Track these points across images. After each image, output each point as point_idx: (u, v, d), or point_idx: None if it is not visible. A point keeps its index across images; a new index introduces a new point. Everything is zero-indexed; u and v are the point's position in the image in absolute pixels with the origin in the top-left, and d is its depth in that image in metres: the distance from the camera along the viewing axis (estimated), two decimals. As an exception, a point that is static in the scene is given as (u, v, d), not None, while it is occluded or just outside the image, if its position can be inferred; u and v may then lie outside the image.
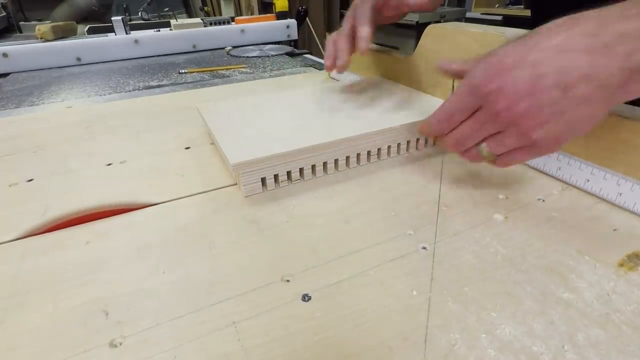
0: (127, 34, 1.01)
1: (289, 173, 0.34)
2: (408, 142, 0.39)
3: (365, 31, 0.42)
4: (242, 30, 1.09)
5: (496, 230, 0.27)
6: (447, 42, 0.41)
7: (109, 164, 0.39)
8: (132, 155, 0.41)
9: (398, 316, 0.21)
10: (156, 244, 0.27)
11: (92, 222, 0.30)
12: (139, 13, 1.57)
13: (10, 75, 0.89)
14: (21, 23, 0.98)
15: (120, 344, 0.20)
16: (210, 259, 0.26)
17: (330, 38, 0.46)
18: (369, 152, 0.37)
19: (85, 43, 0.95)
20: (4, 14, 1.31)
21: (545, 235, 0.27)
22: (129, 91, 0.71)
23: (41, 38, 0.97)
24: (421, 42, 0.45)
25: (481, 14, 1.96)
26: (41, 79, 0.83)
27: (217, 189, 0.34)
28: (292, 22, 1.16)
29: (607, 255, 0.25)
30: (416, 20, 1.93)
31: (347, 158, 0.36)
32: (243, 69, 0.84)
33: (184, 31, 1.04)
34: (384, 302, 0.22)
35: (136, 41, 0.98)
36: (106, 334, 0.20)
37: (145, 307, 0.22)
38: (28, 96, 0.70)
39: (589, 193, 0.31)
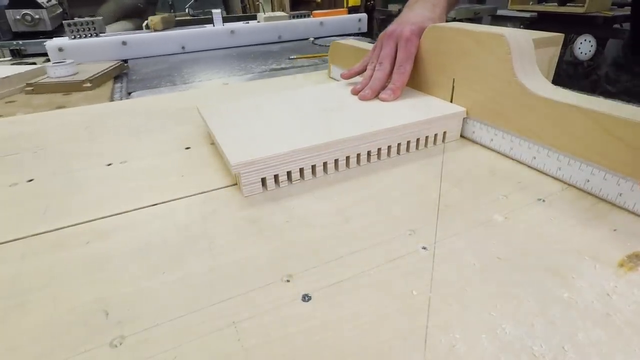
0: (222, 25, 1.10)
1: (289, 173, 0.34)
2: (408, 142, 0.39)
3: (400, 84, 0.44)
4: (321, 23, 1.20)
5: (496, 230, 0.27)
6: (448, 42, 0.41)
7: (109, 164, 0.39)
8: (132, 155, 0.41)
9: (398, 316, 0.21)
10: (156, 244, 0.27)
11: (92, 221, 0.30)
12: (186, 10, 1.59)
13: (129, 61, 0.96)
14: (75, 19, 1.04)
15: (120, 344, 0.20)
16: (210, 259, 0.26)
17: (371, 63, 0.47)
18: (369, 153, 0.37)
19: (190, 33, 1.05)
20: (61, 10, 1.35)
21: (545, 235, 0.27)
22: (259, 72, 0.80)
23: (152, 28, 1.07)
24: (422, 42, 0.45)
25: (517, 10, 1.97)
26: (164, 64, 0.92)
27: (217, 189, 0.34)
28: (364, 15, 1.29)
29: (607, 255, 0.25)
30: (452, 16, 1.99)
31: (347, 158, 0.36)
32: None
33: (272, 23, 1.14)
34: (384, 302, 0.22)
35: (232, 32, 1.08)
36: (106, 334, 0.20)
37: (145, 307, 0.22)
38: (170, 76, 0.79)
39: (589, 193, 0.31)
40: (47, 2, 1.26)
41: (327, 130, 0.36)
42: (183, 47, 1.04)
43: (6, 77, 0.70)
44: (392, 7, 2.40)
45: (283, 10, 2.22)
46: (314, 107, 0.42)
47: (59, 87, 0.70)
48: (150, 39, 1.02)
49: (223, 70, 0.83)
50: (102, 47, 0.96)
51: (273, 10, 2.36)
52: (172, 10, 1.66)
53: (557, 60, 0.53)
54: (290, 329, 0.20)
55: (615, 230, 0.27)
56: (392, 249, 0.26)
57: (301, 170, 0.34)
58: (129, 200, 0.32)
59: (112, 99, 0.67)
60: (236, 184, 0.34)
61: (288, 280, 0.24)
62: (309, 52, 0.98)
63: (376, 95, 0.44)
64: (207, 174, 0.36)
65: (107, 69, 0.79)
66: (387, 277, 0.24)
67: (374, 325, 0.21)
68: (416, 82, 0.47)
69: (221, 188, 0.34)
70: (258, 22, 1.16)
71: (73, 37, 0.95)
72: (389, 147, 0.38)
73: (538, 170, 0.35)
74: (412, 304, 0.22)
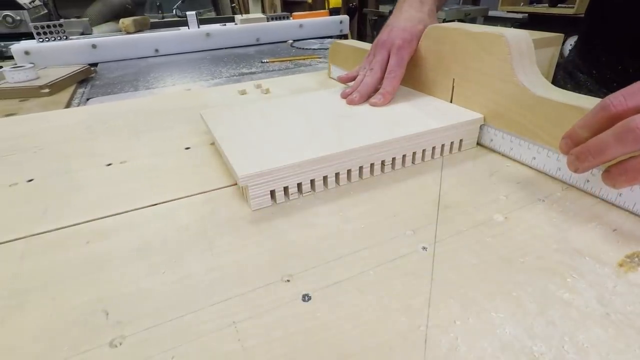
0: (198, 28, 1.08)
1: (299, 185, 0.32)
2: (424, 151, 0.37)
3: (390, 89, 0.43)
4: (301, 25, 1.19)
5: (496, 230, 0.27)
6: (448, 42, 0.41)
7: (109, 164, 0.39)
8: (132, 155, 0.41)
9: (398, 316, 0.21)
10: (156, 244, 0.27)
11: (92, 221, 0.30)
12: (174, 11, 1.60)
13: (99, 65, 0.96)
14: (62, 20, 1.03)
15: (120, 344, 0.20)
16: (210, 259, 0.26)
17: (363, 69, 0.47)
18: (383, 162, 0.35)
19: (163, 35, 1.03)
20: (46, 11, 1.35)
21: (545, 235, 0.27)
22: (228, 77, 0.79)
23: (124, 31, 1.04)
24: (421, 42, 0.45)
25: (507, 12, 1.97)
26: (133, 68, 0.90)
27: (217, 188, 0.34)
28: (345, 17, 1.27)
29: (607, 255, 0.25)
30: (443, 18, 1.98)
31: (360, 168, 0.34)
32: (319, 59, 0.91)
33: (249, 25, 1.12)
34: (384, 302, 0.22)
35: (208, 34, 1.06)
36: (106, 334, 0.20)
37: (145, 307, 0.22)
38: (135, 81, 0.78)
39: (589, 193, 0.31)
40: (30, 3, 1.25)
41: (339, 139, 0.34)
42: (156, 50, 1.02)
43: None
44: (384, 8, 2.39)
45: (275, 11, 2.21)
46: (323, 113, 0.41)
47: (16, 93, 0.67)
48: (122, 42, 0.99)
49: (191, 75, 0.81)
50: (71, 51, 0.93)
51: (263, 11, 2.34)
52: (159, 12, 1.66)
53: (557, 61, 0.53)
54: (290, 329, 0.20)
55: (615, 230, 0.27)
56: (392, 249, 0.26)
57: (312, 182, 0.33)
58: (129, 200, 0.32)
59: (69, 106, 0.65)
60: (236, 184, 0.34)
61: (288, 280, 0.24)
62: (286, 55, 0.96)
63: (365, 100, 0.44)
64: (207, 174, 0.36)
65: (69, 73, 0.76)
66: (387, 277, 0.24)
67: (374, 325, 0.21)
68: (416, 82, 0.47)
69: (221, 188, 0.34)
70: (235, 24, 1.14)
71: (41, 40, 0.92)
72: (404, 156, 0.36)
73: (538, 170, 0.35)
74: (412, 304, 0.22)
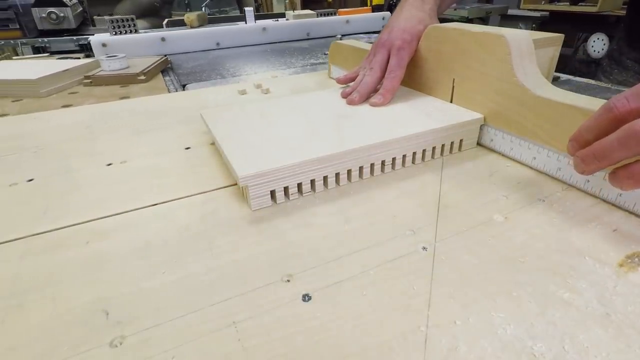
0: (255, 23, 1.14)
1: (299, 185, 0.32)
2: (424, 151, 0.37)
3: (390, 88, 0.43)
4: (347, 21, 1.26)
5: (496, 230, 0.27)
6: (448, 42, 0.41)
7: (109, 164, 0.39)
8: (132, 155, 0.41)
9: (398, 316, 0.21)
10: (156, 244, 0.27)
11: (92, 221, 0.30)
12: (202, 9, 1.62)
13: (167, 56, 0.99)
14: (95, 17, 1.06)
15: (120, 344, 0.20)
16: (211, 259, 0.26)
17: (363, 69, 0.47)
18: (383, 162, 0.35)
19: (224, 30, 1.10)
20: (81, 9, 1.40)
21: (545, 236, 0.27)
22: (301, 67, 0.83)
23: (188, 25, 1.12)
24: (421, 42, 0.45)
25: (529, 9, 1.98)
26: (203, 59, 0.96)
27: (217, 188, 0.34)
28: (387, 14, 1.35)
29: (607, 255, 0.25)
30: (466, 15, 2.02)
31: (361, 169, 0.34)
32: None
33: (301, 21, 1.19)
34: (384, 302, 0.22)
35: (264, 29, 1.13)
36: (106, 334, 0.20)
37: (145, 307, 0.22)
38: (216, 70, 0.83)
39: (589, 193, 0.31)
40: (70, 0, 1.30)
41: (339, 139, 0.34)
42: (218, 44, 1.09)
43: (67, 69, 0.73)
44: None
45: (294, 9, 2.24)
46: (323, 113, 0.41)
47: (115, 80, 0.74)
48: (188, 36, 1.06)
49: (266, 65, 0.86)
50: (142, 43, 1.00)
51: (285, 9, 2.39)
52: (187, 9, 1.69)
53: (557, 61, 0.53)
54: (290, 329, 0.20)
55: (615, 230, 0.27)
56: (392, 249, 0.26)
57: (312, 182, 0.33)
58: (129, 200, 0.32)
59: (169, 91, 0.69)
60: (236, 184, 0.34)
61: (288, 280, 0.24)
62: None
63: (365, 100, 0.44)
64: (207, 174, 0.36)
65: (155, 62, 0.82)
66: (387, 277, 0.24)
67: (374, 325, 0.21)
68: (416, 82, 0.47)
69: (221, 188, 0.34)
70: (287, 19, 1.21)
71: (114, 33, 0.99)
72: (404, 156, 0.36)
73: (538, 171, 0.35)
74: (412, 304, 0.22)
